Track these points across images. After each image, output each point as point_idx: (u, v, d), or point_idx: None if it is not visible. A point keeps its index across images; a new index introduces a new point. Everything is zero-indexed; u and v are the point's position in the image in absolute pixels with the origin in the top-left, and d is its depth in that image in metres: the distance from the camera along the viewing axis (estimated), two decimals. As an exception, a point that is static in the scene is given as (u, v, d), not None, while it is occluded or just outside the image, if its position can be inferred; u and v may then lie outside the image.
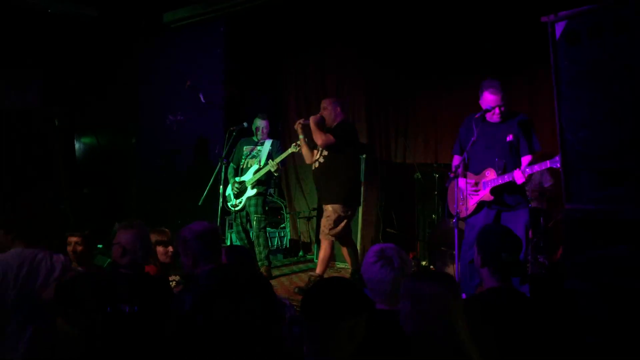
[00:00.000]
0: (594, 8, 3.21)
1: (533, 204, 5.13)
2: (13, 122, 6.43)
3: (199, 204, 5.31)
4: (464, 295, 3.81)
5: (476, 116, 3.93)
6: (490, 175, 3.96)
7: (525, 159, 3.92)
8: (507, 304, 2.34)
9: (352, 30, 6.75)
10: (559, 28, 3.31)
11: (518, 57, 5.59)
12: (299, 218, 7.20)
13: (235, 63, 6.98)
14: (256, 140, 5.63)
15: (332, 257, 5.29)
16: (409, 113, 6.69)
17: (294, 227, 7.27)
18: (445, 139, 6.19)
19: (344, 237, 4.93)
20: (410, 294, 1.94)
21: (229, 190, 5.58)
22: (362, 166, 6.01)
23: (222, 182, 5.38)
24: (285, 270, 6.05)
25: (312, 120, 4.88)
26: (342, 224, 4.81)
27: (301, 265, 6.33)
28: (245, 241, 5.57)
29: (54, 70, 7.15)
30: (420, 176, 6.13)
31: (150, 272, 3.23)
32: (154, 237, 3.57)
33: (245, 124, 5.45)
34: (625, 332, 2.93)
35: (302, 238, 7.14)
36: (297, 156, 6.06)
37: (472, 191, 4.02)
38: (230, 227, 6.00)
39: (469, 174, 4.07)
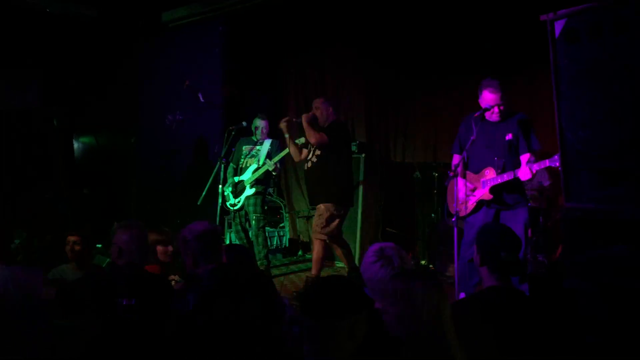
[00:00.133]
0: (593, 6, 3.20)
1: (532, 203, 5.12)
2: (13, 122, 6.44)
3: (198, 203, 5.30)
4: (462, 295, 3.82)
5: (475, 115, 3.93)
6: (489, 174, 3.96)
7: (524, 158, 3.91)
8: (507, 303, 2.34)
9: (352, 30, 6.75)
10: (558, 26, 3.31)
11: (518, 56, 5.58)
12: (299, 217, 7.19)
13: (235, 63, 6.98)
14: (255, 140, 5.63)
15: (327, 257, 5.25)
16: (408, 112, 6.68)
17: (293, 226, 7.27)
18: (445, 138, 6.18)
19: (336, 237, 4.87)
20: (401, 295, 1.92)
21: (227, 190, 5.58)
22: (362, 166, 6.02)
23: (221, 181, 5.39)
24: (285, 269, 6.05)
25: (304, 119, 4.83)
26: (335, 223, 4.75)
27: (300, 265, 6.33)
28: (245, 240, 5.57)
29: (54, 70, 7.16)
30: (419, 175, 6.12)
31: (150, 272, 3.23)
32: (153, 237, 3.56)
33: (244, 123, 5.45)
34: (625, 332, 2.93)
35: (301, 237, 7.13)
36: (296, 156, 6.05)
37: (470, 192, 4.03)
38: (230, 226, 6.00)
39: (469, 173, 4.07)
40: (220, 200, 5.28)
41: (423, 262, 5.85)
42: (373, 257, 2.37)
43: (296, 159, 5.15)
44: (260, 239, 5.42)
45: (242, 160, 5.61)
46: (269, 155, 5.48)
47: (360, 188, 5.98)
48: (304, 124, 4.81)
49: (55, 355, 2.89)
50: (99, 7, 6.93)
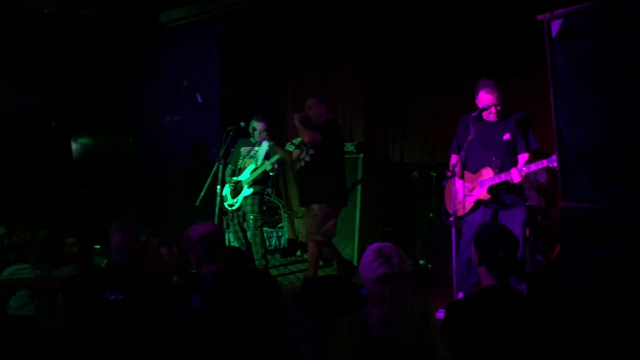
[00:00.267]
0: (590, 6, 3.21)
1: (531, 202, 5.12)
2: (13, 122, 6.45)
3: (197, 204, 5.30)
4: (461, 294, 3.82)
5: (473, 115, 3.93)
6: (487, 174, 3.96)
7: (522, 157, 3.92)
8: (505, 303, 2.34)
9: (352, 31, 6.75)
10: (555, 26, 3.31)
11: (517, 57, 5.59)
12: (297, 218, 7.19)
13: (234, 63, 6.98)
14: (254, 141, 5.64)
15: (322, 258, 5.24)
16: (407, 112, 6.69)
17: (292, 227, 7.26)
18: (443, 138, 6.18)
19: (332, 238, 4.83)
20: (389, 297, 1.90)
21: (226, 190, 5.58)
22: (360, 165, 6.01)
23: (219, 182, 5.38)
24: (283, 269, 6.05)
25: (296, 118, 4.77)
26: (332, 223, 4.71)
27: (299, 265, 6.33)
28: (243, 241, 5.58)
29: (53, 70, 7.16)
30: (418, 175, 6.13)
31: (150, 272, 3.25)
32: (157, 239, 3.58)
33: (242, 124, 5.44)
34: (624, 331, 2.93)
35: (299, 238, 7.13)
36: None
37: (468, 192, 4.04)
38: (228, 227, 6.00)
39: (466, 173, 4.07)
40: (218, 201, 5.28)
41: (422, 261, 5.86)
42: (372, 257, 2.37)
43: (288, 161, 5.15)
44: (258, 239, 5.42)
45: (240, 161, 5.62)
46: (267, 157, 5.49)
47: (359, 188, 5.97)
48: (297, 124, 4.74)
49: (55, 355, 2.90)
50: (97, 8, 6.92)
